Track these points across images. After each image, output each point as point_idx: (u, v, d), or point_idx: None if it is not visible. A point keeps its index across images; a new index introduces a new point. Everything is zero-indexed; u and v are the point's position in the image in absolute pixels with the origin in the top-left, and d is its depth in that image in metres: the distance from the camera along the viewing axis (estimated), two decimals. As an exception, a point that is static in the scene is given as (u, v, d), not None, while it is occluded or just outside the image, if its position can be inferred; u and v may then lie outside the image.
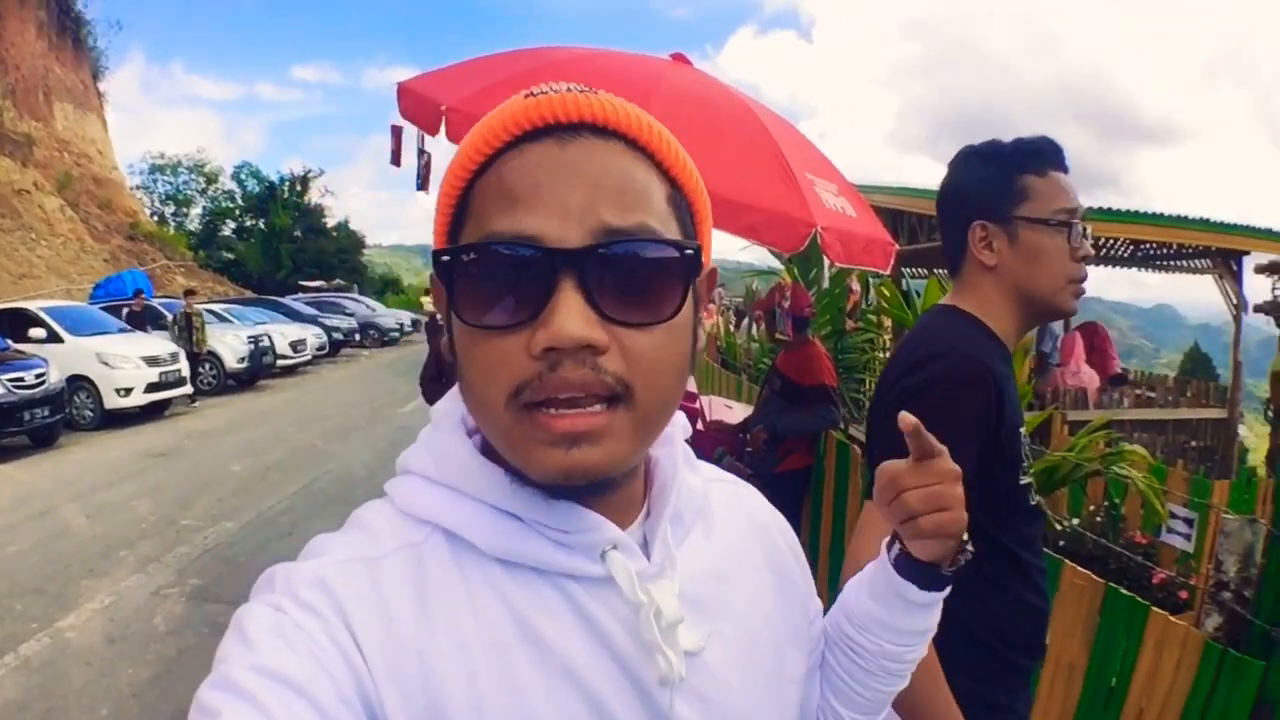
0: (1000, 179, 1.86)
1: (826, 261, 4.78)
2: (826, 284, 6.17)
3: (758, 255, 12.38)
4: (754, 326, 14.33)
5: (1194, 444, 12.47)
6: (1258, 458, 14.49)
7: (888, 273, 5.26)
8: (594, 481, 0.75)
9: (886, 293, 8.40)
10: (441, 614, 0.76)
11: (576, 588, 0.80)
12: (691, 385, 7.25)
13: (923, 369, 1.70)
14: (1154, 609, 2.88)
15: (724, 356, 15.46)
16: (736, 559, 0.96)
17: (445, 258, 0.76)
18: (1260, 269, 8.21)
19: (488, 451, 0.83)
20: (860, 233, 4.67)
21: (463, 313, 0.75)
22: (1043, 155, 1.86)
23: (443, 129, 3.95)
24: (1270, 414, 7.47)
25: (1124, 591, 2.95)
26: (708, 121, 4.38)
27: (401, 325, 33.98)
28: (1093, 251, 1.84)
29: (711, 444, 6.35)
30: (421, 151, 4.39)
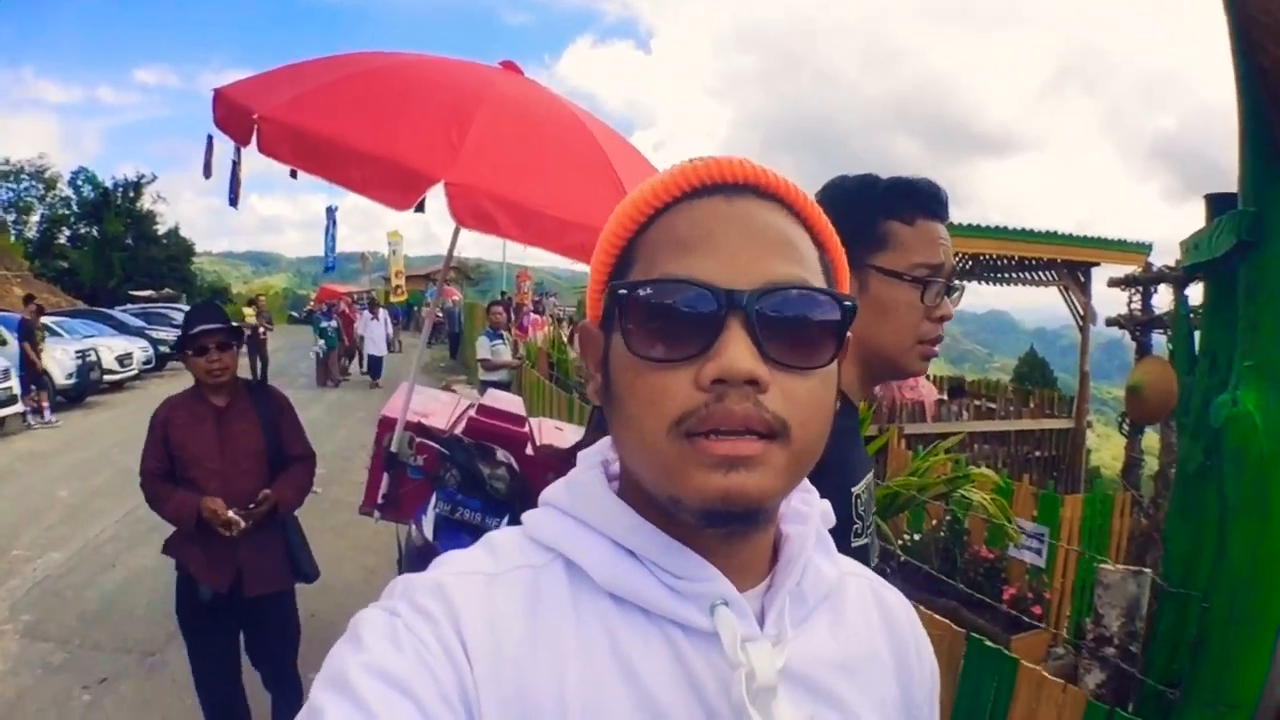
0: (861, 219, 1.66)
1: None
2: None
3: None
4: (570, 343, 14.06)
5: (1039, 454, 12.58)
6: (1099, 459, 14.89)
7: None
8: (749, 510, 0.77)
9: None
10: (546, 635, 0.80)
11: (681, 637, 0.83)
12: (521, 409, 6.75)
13: None
14: (1024, 664, 2.77)
15: (555, 372, 14.95)
16: (863, 657, 0.96)
17: (621, 291, 0.80)
18: (1115, 282, 8.24)
19: (622, 493, 0.88)
20: None
21: (634, 346, 0.79)
22: (915, 199, 1.67)
23: (254, 139, 3.60)
24: (1126, 427, 7.46)
25: (988, 643, 2.86)
26: (536, 134, 4.23)
27: None
28: (952, 312, 1.67)
29: (542, 469, 5.84)
30: (234, 163, 4.01)
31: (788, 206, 0.84)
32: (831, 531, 1.37)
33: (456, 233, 4.86)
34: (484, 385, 11.79)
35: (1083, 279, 13.92)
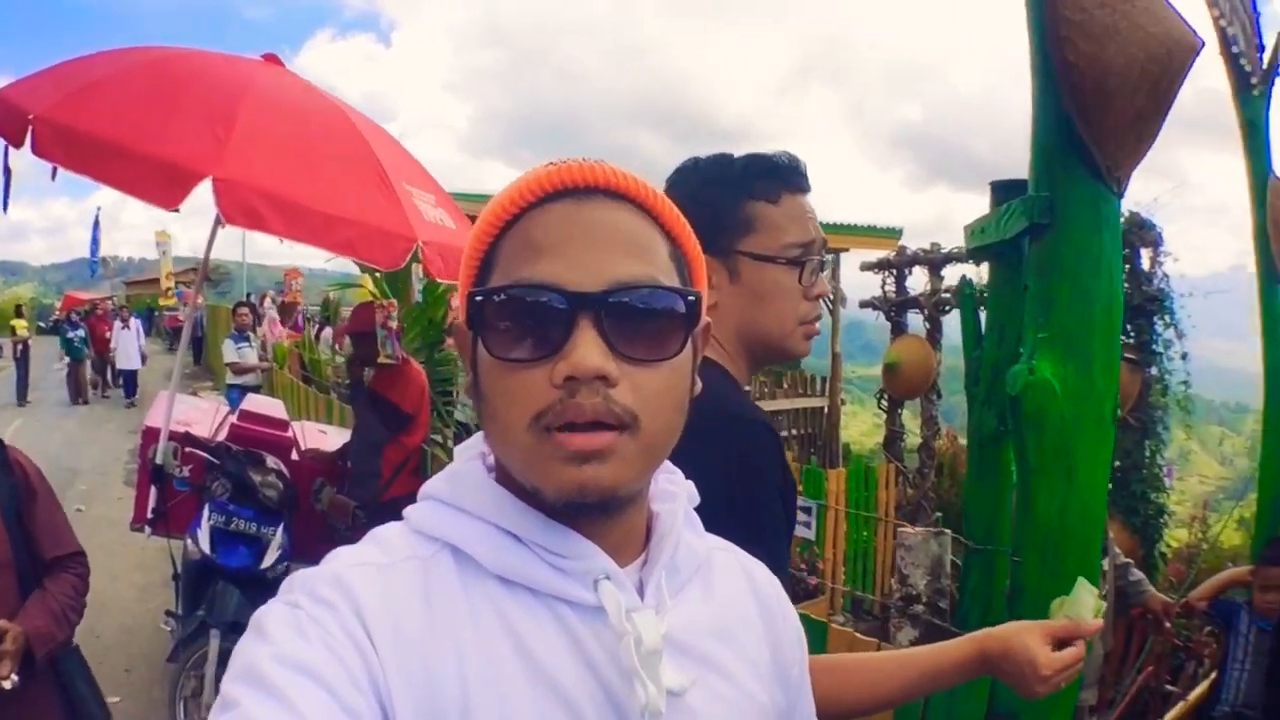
0: (724, 204, 1.62)
1: (417, 273, 4.55)
2: (418, 298, 5.67)
3: (343, 265, 11.66)
4: (335, 344, 13.57)
5: (795, 432, 13.18)
6: (849, 436, 15.78)
7: None
8: (604, 499, 0.83)
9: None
10: (443, 621, 0.83)
11: (569, 612, 0.86)
12: (282, 412, 6.49)
13: (714, 440, 1.39)
14: (834, 625, 2.88)
15: (307, 373, 14.40)
16: (735, 624, 1.02)
17: (479, 298, 0.86)
18: (867, 266, 8.78)
19: (501, 481, 0.91)
20: (461, 245, 4.43)
21: (492, 348, 0.84)
22: (777, 176, 1.62)
23: (28, 141, 3.45)
24: (884, 403, 7.95)
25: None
26: (302, 128, 4.14)
27: None
28: (829, 288, 1.62)
29: (310, 475, 5.70)
30: (5, 168, 3.80)
31: (637, 205, 0.89)
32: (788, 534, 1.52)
33: (214, 233, 4.66)
34: (231, 390, 11.39)
35: (832, 263, 14.69)
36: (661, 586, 0.93)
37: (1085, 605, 1.43)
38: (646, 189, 0.90)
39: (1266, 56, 5.28)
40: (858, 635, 2.92)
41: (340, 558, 0.87)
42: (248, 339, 12.35)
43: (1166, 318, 6.15)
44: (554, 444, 0.81)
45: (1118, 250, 2.22)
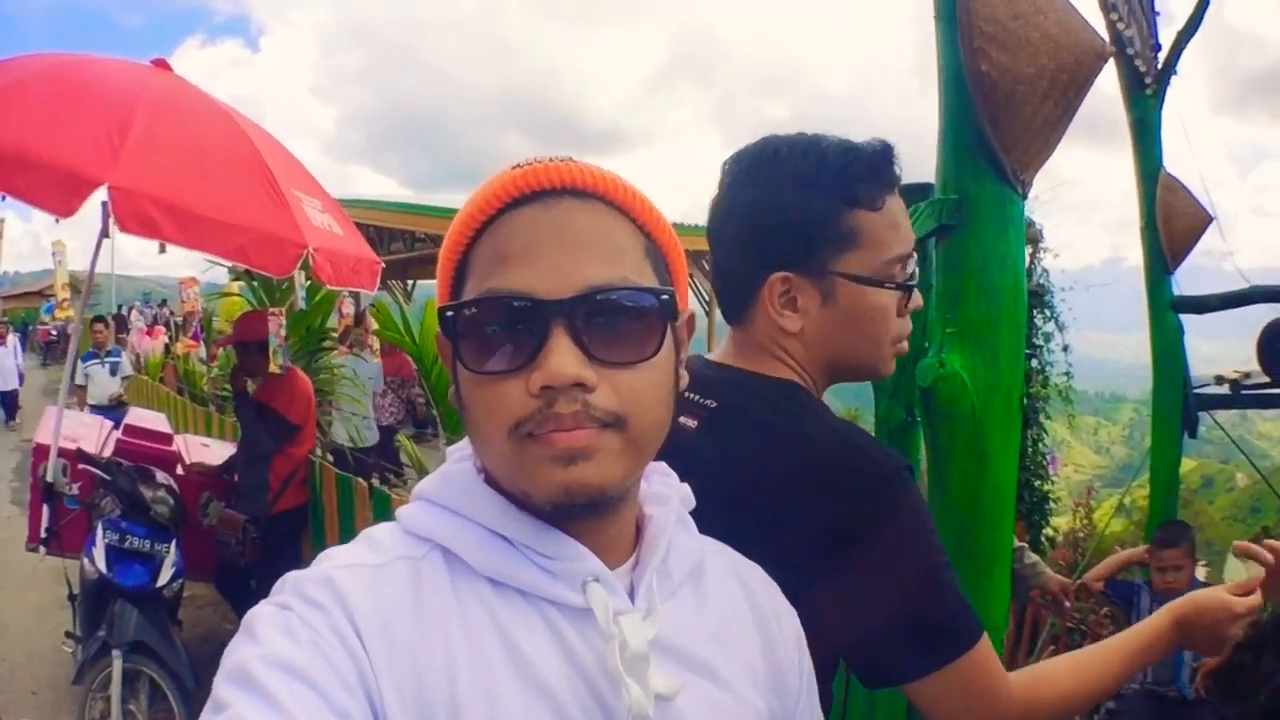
0: (821, 215, 1.37)
1: (300, 279, 4.50)
2: (302, 305, 5.67)
3: (215, 275, 11.27)
4: (210, 355, 13.16)
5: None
6: None
7: (373, 291, 5.18)
8: (591, 499, 0.83)
9: (378, 315, 8.78)
10: (433, 620, 0.83)
11: (558, 614, 0.87)
12: (166, 426, 6.36)
13: (853, 496, 1.27)
14: None
15: (181, 383, 14.00)
16: (729, 629, 1.01)
17: (450, 312, 0.86)
18: None
19: (491, 483, 0.91)
20: (349, 251, 4.62)
21: (467, 361, 0.85)
22: (879, 176, 1.39)
23: None
24: None
25: None
26: (194, 135, 4.13)
27: None
28: (921, 301, 1.47)
29: (196, 489, 5.68)
30: None
31: (607, 203, 0.89)
32: None
33: (100, 244, 4.59)
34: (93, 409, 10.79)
35: (705, 265, 14.86)
36: (652, 589, 0.93)
37: (1240, 571, 1.56)
38: (616, 184, 0.90)
39: (1163, 56, 5.58)
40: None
41: (331, 558, 0.87)
42: (98, 357, 11.69)
43: (1047, 311, 6.40)
44: (538, 444, 0.82)
45: (1021, 248, 2.35)
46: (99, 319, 13.12)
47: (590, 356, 0.82)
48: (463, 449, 0.98)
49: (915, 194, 2.72)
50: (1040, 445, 6.70)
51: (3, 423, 17.62)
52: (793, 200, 1.38)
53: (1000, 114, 2.11)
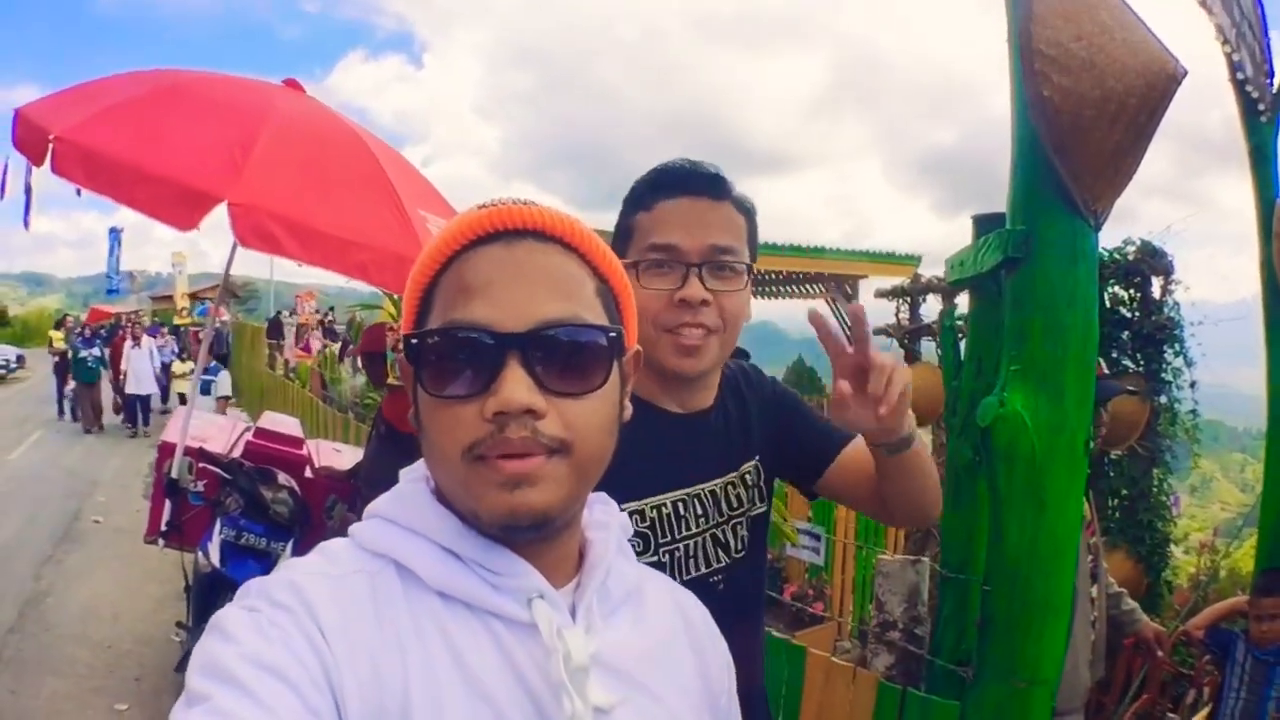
0: (622, 219, 1.65)
1: None
2: None
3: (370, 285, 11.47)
4: (354, 365, 13.44)
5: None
6: None
7: None
8: (535, 522, 0.87)
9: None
10: (388, 629, 0.86)
11: (503, 629, 0.90)
12: (298, 430, 6.54)
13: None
14: (811, 650, 2.91)
15: (327, 392, 14.44)
16: (665, 650, 1.05)
17: (414, 340, 0.91)
18: (881, 294, 8.67)
19: (443, 503, 0.94)
20: None
21: (428, 385, 0.89)
22: (656, 181, 1.60)
23: (48, 159, 3.57)
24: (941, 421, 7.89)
25: (775, 634, 3.04)
26: (319, 153, 4.20)
27: (8, 361, 29.49)
28: (701, 293, 1.53)
29: (323, 492, 5.69)
30: (26, 186, 4.01)
31: (565, 245, 0.94)
32: None
33: (233, 252, 4.73)
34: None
35: (850, 291, 14.60)
36: (593, 609, 0.96)
37: None
38: (574, 228, 0.95)
39: (1277, 82, 5.25)
40: (835, 660, 2.93)
41: (293, 567, 0.90)
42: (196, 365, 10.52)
43: (1175, 346, 6.09)
44: (489, 468, 0.86)
45: (1093, 283, 2.19)
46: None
47: (541, 386, 0.86)
48: (415, 471, 1.01)
49: (991, 224, 2.60)
50: (1165, 485, 6.34)
51: (125, 431, 16.36)
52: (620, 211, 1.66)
53: (1066, 140, 1.98)
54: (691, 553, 1.66)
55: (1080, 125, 1.96)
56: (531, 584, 0.92)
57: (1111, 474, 6.21)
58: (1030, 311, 2.19)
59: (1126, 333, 6.14)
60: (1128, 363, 6.10)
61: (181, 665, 4.47)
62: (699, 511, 1.67)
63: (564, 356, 0.89)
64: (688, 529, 1.66)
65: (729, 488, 1.74)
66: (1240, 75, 4.04)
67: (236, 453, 5.40)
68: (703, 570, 1.68)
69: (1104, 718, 4.11)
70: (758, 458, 1.81)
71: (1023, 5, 1.95)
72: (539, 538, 0.92)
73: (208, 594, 4.67)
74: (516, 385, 0.85)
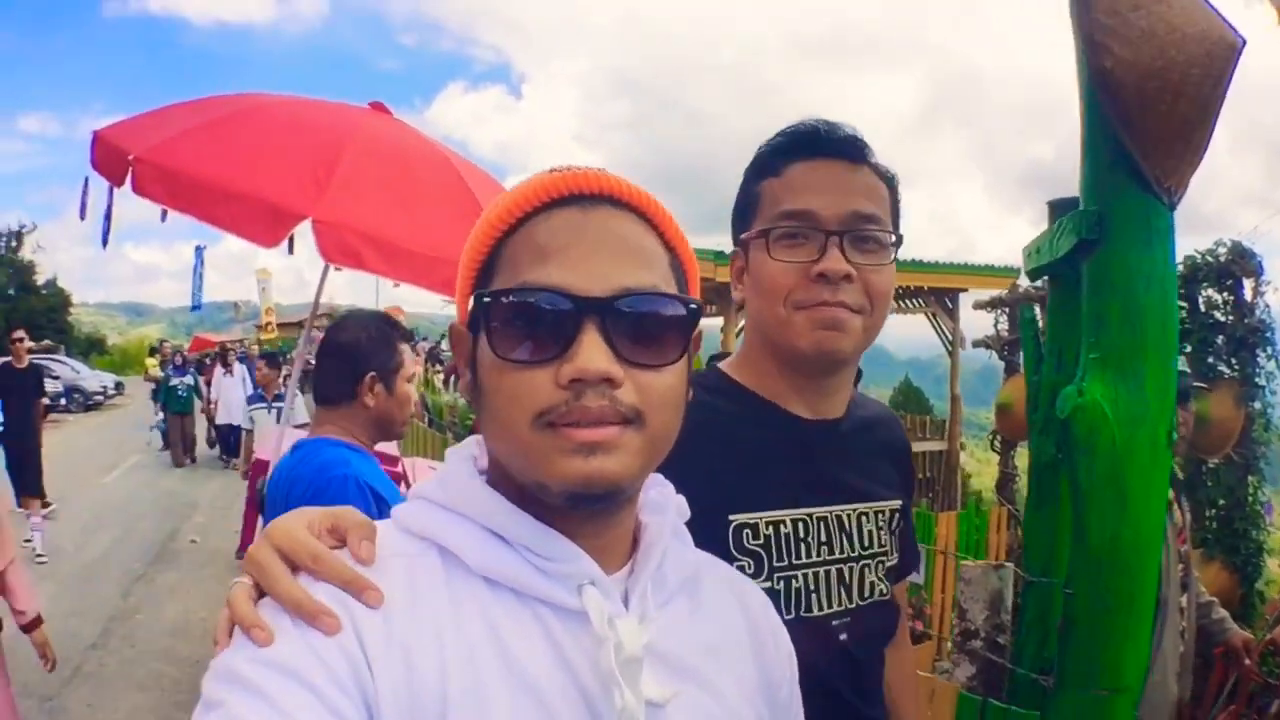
0: (742, 189, 1.49)
1: None
2: None
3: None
4: (451, 382, 13.56)
5: (916, 478, 12.97)
6: (981, 483, 15.32)
7: None
8: (608, 490, 0.84)
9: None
10: (427, 617, 0.82)
11: (551, 616, 0.87)
12: (393, 449, 6.61)
13: None
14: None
15: (429, 414, 14.63)
16: (722, 639, 1.01)
17: (486, 299, 0.87)
18: (980, 305, 8.56)
19: (492, 483, 0.92)
20: None
21: (497, 348, 0.85)
22: (786, 145, 1.43)
23: (129, 180, 3.58)
24: (997, 443, 7.73)
25: None
26: (403, 172, 4.20)
27: (105, 388, 31.58)
28: (843, 266, 1.34)
29: None
30: (108, 206, 3.97)
31: (640, 215, 0.92)
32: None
33: (325, 274, 4.82)
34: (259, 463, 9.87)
35: (950, 305, 14.42)
36: (647, 596, 0.93)
37: None
38: (648, 199, 0.93)
39: None
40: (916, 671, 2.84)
41: None
42: (264, 400, 9.84)
43: (1268, 349, 5.89)
44: (560, 437, 0.83)
45: (1171, 265, 2.07)
46: (262, 356, 12.01)
47: (618, 355, 0.84)
48: (461, 451, 0.98)
49: (1067, 209, 2.50)
50: (1259, 493, 6.11)
51: (224, 462, 15.92)
52: (737, 197, 1.50)
53: (1132, 114, 1.88)
54: (813, 586, 1.43)
55: (1145, 98, 1.87)
56: (583, 569, 0.89)
57: (1209, 483, 6.02)
58: (1107, 295, 2.09)
59: (1221, 337, 5.96)
60: (1223, 368, 5.91)
61: None
62: (823, 538, 1.45)
63: (644, 327, 0.87)
64: (809, 555, 1.44)
65: (863, 519, 1.52)
66: None
67: (338, 470, 5.48)
68: (825, 610, 1.44)
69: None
70: (902, 503, 1.60)
71: (1079, -25, 1.87)
72: (602, 512, 0.90)
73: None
74: (595, 352, 0.83)
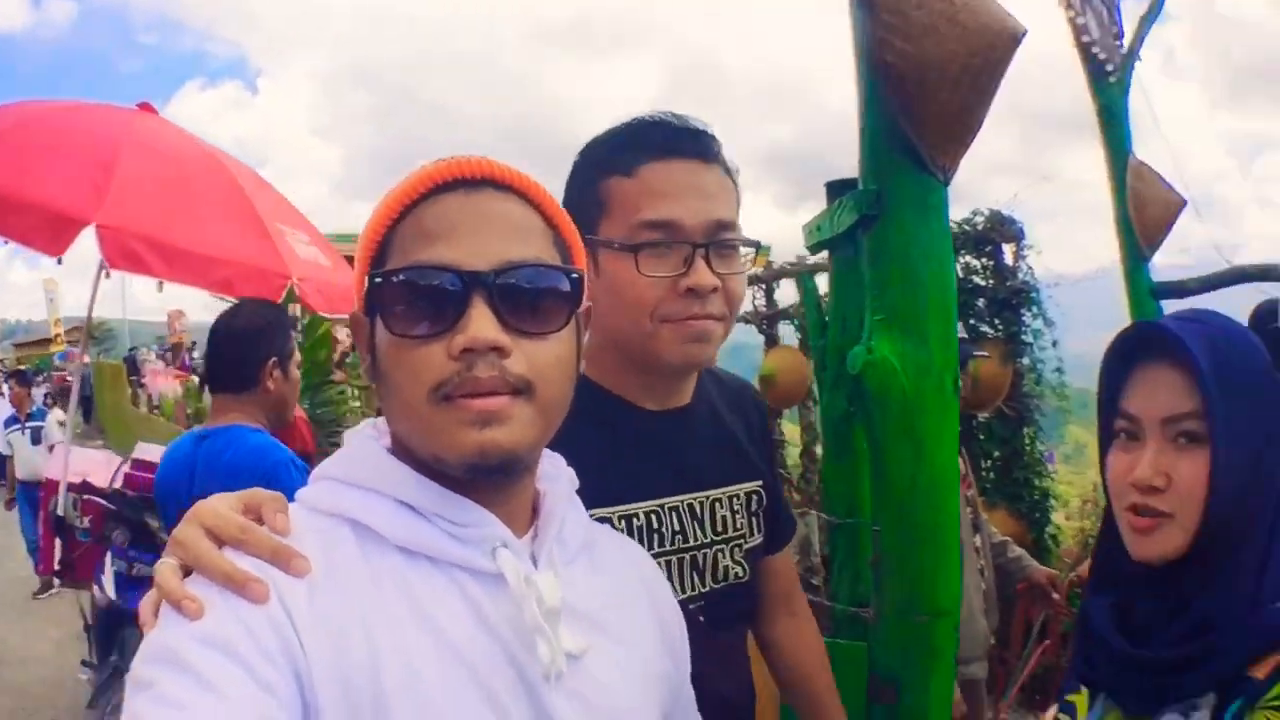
0: (584, 185, 1.44)
1: (294, 312, 4.69)
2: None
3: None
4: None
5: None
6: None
7: None
8: (504, 460, 0.89)
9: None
10: (349, 589, 0.86)
11: (468, 580, 0.92)
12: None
13: None
14: None
15: (190, 423, 14.10)
16: (624, 597, 1.10)
17: (379, 279, 0.92)
18: None
19: (396, 454, 0.96)
20: (338, 281, 4.78)
21: (393, 327, 0.91)
22: (638, 142, 1.41)
23: None
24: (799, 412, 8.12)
25: None
26: (178, 174, 4.27)
27: None
28: (712, 280, 1.37)
29: None
30: None
31: (521, 195, 0.98)
32: None
33: (96, 286, 4.70)
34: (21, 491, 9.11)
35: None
36: (554, 556, 1.00)
37: None
38: (529, 181, 0.99)
39: (1126, 42, 5.57)
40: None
41: None
42: (18, 422, 9.51)
43: (1034, 309, 6.35)
44: (456, 409, 0.88)
45: (946, 235, 2.33)
46: (11, 375, 10.76)
47: (506, 325, 0.90)
48: (361, 431, 1.03)
49: (843, 189, 2.76)
50: (1037, 443, 6.64)
51: None
52: (572, 176, 1.46)
53: (912, 103, 2.09)
54: (667, 574, 1.43)
55: (925, 87, 2.07)
56: (494, 533, 0.94)
57: (981, 436, 6.41)
58: (887, 263, 2.31)
59: (982, 300, 6.36)
60: (986, 329, 6.30)
61: (94, 702, 4.49)
62: (676, 528, 1.49)
63: (528, 297, 0.93)
64: (662, 545, 1.47)
65: (716, 505, 1.56)
66: (1086, 38, 4.29)
67: (118, 484, 5.34)
68: (681, 596, 1.46)
69: (1007, 668, 4.20)
70: (761, 483, 1.65)
71: (864, -28, 2.07)
72: (503, 481, 0.95)
73: (108, 628, 4.64)
74: (484, 322, 0.88)
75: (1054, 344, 6.52)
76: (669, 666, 1.14)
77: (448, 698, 0.86)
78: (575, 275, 0.98)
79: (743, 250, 1.46)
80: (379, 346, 0.95)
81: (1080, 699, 1.38)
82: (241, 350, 2.75)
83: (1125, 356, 1.27)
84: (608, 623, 1.04)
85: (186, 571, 0.87)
